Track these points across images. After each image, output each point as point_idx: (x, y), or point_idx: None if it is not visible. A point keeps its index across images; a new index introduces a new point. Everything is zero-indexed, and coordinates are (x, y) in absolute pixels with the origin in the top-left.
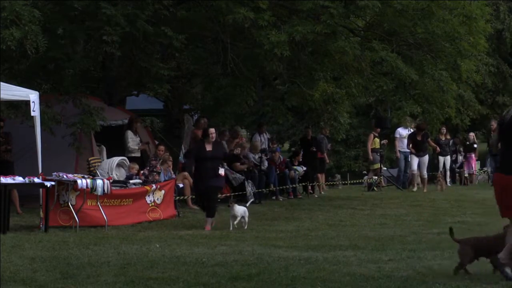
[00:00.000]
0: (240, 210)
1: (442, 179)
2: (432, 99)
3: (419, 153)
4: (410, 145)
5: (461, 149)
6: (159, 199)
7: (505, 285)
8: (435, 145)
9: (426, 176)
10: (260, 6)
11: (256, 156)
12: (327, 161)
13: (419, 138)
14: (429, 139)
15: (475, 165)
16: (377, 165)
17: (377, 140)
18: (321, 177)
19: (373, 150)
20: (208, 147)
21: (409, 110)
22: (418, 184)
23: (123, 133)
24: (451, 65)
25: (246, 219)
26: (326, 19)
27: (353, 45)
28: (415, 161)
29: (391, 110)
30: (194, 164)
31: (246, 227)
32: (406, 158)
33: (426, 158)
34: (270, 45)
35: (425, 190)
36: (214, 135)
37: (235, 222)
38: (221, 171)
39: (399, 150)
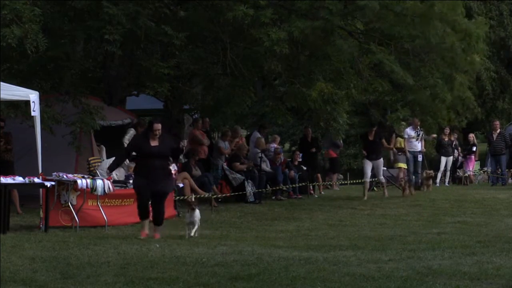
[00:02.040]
0: (198, 215)
1: (408, 183)
2: (426, 109)
3: (371, 156)
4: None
5: (459, 148)
6: None
7: (505, 285)
8: (390, 147)
9: (384, 180)
10: (260, 4)
11: (260, 154)
12: (334, 155)
13: (371, 138)
14: (383, 140)
15: (473, 166)
16: (402, 164)
17: (400, 139)
18: (334, 177)
19: (398, 149)
20: (153, 142)
21: (403, 115)
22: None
23: (125, 132)
24: (446, 76)
25: (198, 224)
26: (325, 15)
27: (351, 44)
28: (367, 166)
29: (390, 111)
30: (131, 160)
31: (197, 234)
32: (415, 159)
33: (380, 161)
34: (270, 42)
35: (386, 195)
36: (159, 132)
37: (194, 230)
38: (173, 169)
39: (408, 151)
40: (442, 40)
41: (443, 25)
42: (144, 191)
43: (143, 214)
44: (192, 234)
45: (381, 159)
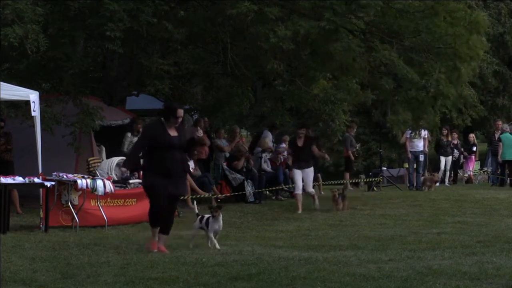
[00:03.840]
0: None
1: (341, 197)
2: (424, 107)
3: (300, 164)
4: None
5: (461, 149)
6: None
7: (505, 285)
8: (322, 154)
9: (313, 192)
10: (263, 2)
11: (263, 154)
12: (353, 158)
13: (300, 144)
14: (313, 146)
15: (473, 166)
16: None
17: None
18: (346, 176)
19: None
20: (172, 132)
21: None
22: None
23: (125, 131)
24: (450, 68)
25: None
26: (329, 16)
27: (358, 43)
28: (298, 176)
29: (388, 112)
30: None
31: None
32: (416, 158)
33: (311, 170)
34: (276, 38)
35: (317, 207)
36: (181, 119)
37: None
38: (191, 165)
39: (410, 151)
40: (446, 32)
41: (447, 16)
42: (162, 193)
43: (157, 220)
44: (218, 246)
45: (311, 168)
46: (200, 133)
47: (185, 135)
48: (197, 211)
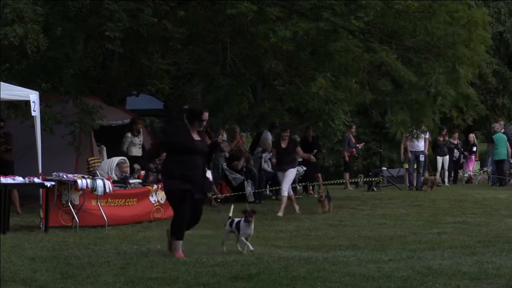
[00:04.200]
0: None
1: (326, 199)
2: (424, 108)
3: (282, 166)
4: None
5: (461, 149)
6: (162, 199)
7: (505, 285)
8: (307, 155)
9: (286, 194)
10: (263, 2)
11: (263, 154)
12: (347, 159)
13: (283, 145)
14: (297, 148)
15: (473, 166)
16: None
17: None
18: (346, 176)
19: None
20: (195, 136)
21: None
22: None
23: (124, 133)
24: (449, 69)
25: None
26: (329, 17)
27: (357, 43)
28: (281, 178)
29: (389, 111)
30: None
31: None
32: (417, 158)
33: (291, 172)
34: (276, 39)
35: (297, 211)
36: (205, 122)
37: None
38: (209, 174)
39: (410, 151)
40: (445, 32)
41: (446, 17)
42: (189, 200)
43: (182, 232)
44: (251, 247)
45: (293, 169)
46: (225, 137)
47: (205, 140)
48: (230, 214)
